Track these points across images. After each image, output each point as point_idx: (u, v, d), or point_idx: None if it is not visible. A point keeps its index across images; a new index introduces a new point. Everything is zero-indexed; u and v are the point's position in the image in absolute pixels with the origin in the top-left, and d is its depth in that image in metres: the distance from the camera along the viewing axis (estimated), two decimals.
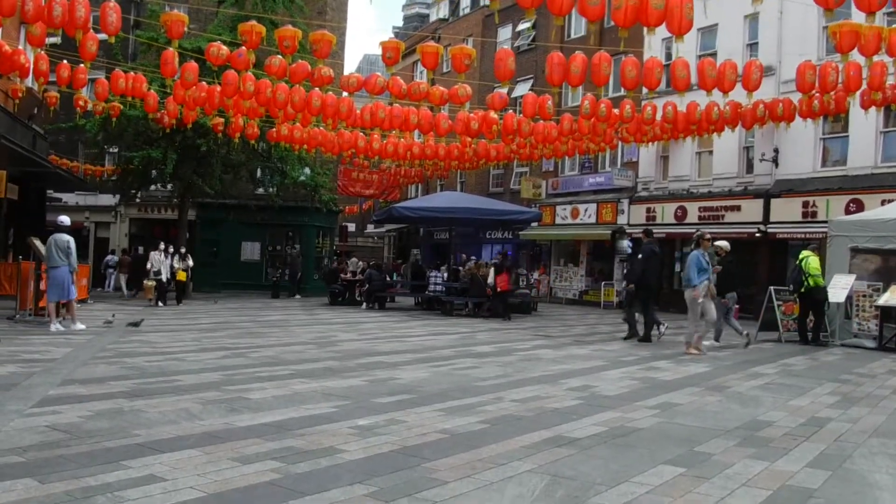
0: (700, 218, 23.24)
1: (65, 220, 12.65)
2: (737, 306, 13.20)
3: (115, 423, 5.20)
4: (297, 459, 4.41)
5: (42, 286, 12.85)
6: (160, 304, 19.28)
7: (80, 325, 12.02)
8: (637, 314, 13.22)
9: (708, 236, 11.66)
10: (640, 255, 13.16)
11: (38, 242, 13.05)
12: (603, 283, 26.42)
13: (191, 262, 21.53)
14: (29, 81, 15.30)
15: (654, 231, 24.04)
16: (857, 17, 10.47)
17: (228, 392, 6.62)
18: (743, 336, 12.38)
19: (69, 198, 27.56)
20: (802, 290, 12.97)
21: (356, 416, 5.75)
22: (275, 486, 3.91)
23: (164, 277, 19.80)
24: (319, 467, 4.28)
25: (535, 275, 27.87)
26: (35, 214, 20.23)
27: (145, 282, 20.04)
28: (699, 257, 11.12)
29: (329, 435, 5.07)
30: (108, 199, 28.82)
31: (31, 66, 12.80)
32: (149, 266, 19.97)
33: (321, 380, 7.53)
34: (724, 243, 13.04)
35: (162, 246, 20.55)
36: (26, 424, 5.07)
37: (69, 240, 11.98)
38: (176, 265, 20.54)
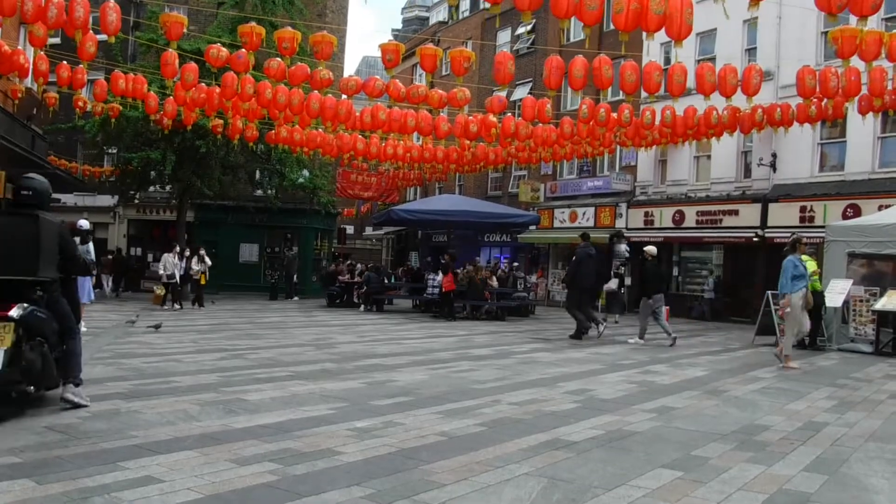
0: (698, 222, 23.29)
1: (83, 224, 12.90)
2: (667, 307, 13.85)
3: (113, 424, 5.20)
4: (294, 461, 4.42)
5: None
6: (176, 306, 18.61)
7: (82, 327, 12.04)
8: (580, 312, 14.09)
9: (805, 240, 10.79)
10: (573, 258, 14.23)
11: None
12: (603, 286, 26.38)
13: (209, 262, 20.60)
14: (28, 82, 15.29)
15: (652, 235, 24.35)
16: (854, 21, 10.51)
17: (226, 393, 6.62)
18: (670, 337, 12.94)
19: (68, 198, 27.49)
20: None
21: (354, 418, 5.75)
22: (272, 487, 3.91)
23: (177, 280, 18.81)
24: (317, 469, 4.28)
25: (533, 278, 27.88)
26: None
27: (154, 289, 19.03)
28: (795, 263, 10.31)
29: (327, 437, 5.08)
30: (106, 200, 28.81)
31: (31, 67, 12.81)
32: (161, 270, 18.85)
33: (319, 382, 7.54)
34: (650, 248, 14.06)
35: (177, 248, 19.61)
36: (24, 425, 5.07)
37: (88, 243, 12.36)
38: (195, 267, 19.68)
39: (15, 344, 5.11)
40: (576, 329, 13.87)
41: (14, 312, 5.13)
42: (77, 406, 5.67)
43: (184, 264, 19.45)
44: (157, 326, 12.74)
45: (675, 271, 24.95)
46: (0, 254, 5.38)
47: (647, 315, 13.33)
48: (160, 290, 18.90)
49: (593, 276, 14.04)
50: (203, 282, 20.04)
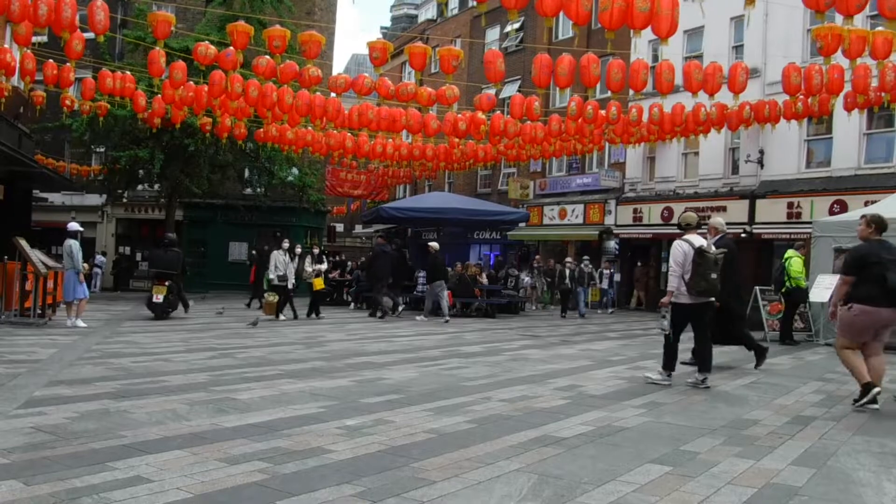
0: None
1: (72, 225, 13.35)
2: (449, 292, 17.43)
3: (102, 424, 5.18)
4: (284, 460, 4.41)
5: (28, 286, 13.09)
6: (282, 316, 15.88)
7: (80, 323, 12.73)
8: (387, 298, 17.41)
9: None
10: (370, 253, 18.38)
11: (23, 243, 13.02)
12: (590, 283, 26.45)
13: (324, 266, 17.77)
14: (15, 80, 15.17)
15: (641, 231, 24.48)
16: (840, 19, 10.56)
17: (216, 393, 6.61)
18: (445, 316, 16.32)
19: (55, 197, 27.33)
20: (783, 290, 13.19)
21: (344, 416, 5.75)
22: (262, 486, 3.91)
23: (289, 284, 15.92)
24: (307, 467, 4.28)
25: (526, 278, 27.85)
26: (20, 214, 20.05)
27: (266, 296, 16.11)
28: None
29: (317, 435, 5.08)
30: (94, 199, 28.65)
31: (18, 65, 12.71)
32: (272, 273, 15.93)
33: (309, 380, 7.53)
34: (433, 244, 17.50)
35: (286, 245, 16.37)
36: (11, 426, 5.05)
37: (72, 244, 12.88)
38: (308, 269, 17.04)
39: (167, 292, 14.27)
40: (381, 310, 17.03)
41: (167, 282, 14.29)
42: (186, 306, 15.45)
43: (295, 264, 16.60)
44: (254, 323, 14.12)
45: (664, 268, 25.03)
46: (168, 263, 14.57)
47: (431, 297, 16.96)
48: (272, 297, 15.80)
49: (388, 268, 17.41)
50: (320, 286, 17.22)
